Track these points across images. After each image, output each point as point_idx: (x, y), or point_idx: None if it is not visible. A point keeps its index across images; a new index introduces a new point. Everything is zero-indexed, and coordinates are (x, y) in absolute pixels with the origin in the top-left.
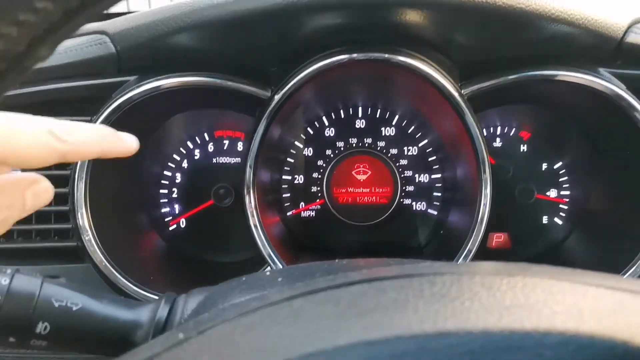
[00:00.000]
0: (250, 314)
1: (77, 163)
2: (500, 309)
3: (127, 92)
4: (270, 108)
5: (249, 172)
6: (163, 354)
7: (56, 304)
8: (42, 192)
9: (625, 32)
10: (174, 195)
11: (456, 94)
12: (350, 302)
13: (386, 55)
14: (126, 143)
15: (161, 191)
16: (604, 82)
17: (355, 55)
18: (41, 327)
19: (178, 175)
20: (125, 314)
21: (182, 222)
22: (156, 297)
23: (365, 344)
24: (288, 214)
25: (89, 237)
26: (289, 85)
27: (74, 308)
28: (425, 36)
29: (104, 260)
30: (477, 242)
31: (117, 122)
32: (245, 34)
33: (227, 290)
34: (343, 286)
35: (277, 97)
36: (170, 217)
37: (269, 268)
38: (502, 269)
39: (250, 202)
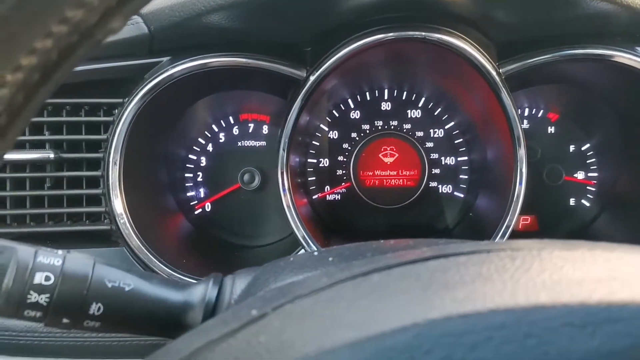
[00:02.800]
0: (327, 289)
1: (111, 146)
2: (591, 282)
3: (162, 73)
4: (305, 88)
5: (282, 155)
6: (241, 329)
7: (109, 285)
8: None
9: None
10: (200, 179)
11: (494, 73)
12: (432, 276)
13: (424, 34)
14: None
15: (186, 175)
16: None
17: (393, 34)
18: (95, 308)
19: (203, 158)
20: (175, 295)
21: (208, 206)
22: (190, 280)
23: (459, 317)
24: (314, 197)
25: (124, 221)
26: (326, 65)
27: (127, 289)
28: (464, 13)
29: (139, 244)
30: (514, 221)
31: (150, 104)
32: (281, 12)
33: (277, 270)
34: (419, 261)
35: (312, 78)
36: (196, 202)
37: (302, 250)
38: (576, 245)
39: (284, 184)
